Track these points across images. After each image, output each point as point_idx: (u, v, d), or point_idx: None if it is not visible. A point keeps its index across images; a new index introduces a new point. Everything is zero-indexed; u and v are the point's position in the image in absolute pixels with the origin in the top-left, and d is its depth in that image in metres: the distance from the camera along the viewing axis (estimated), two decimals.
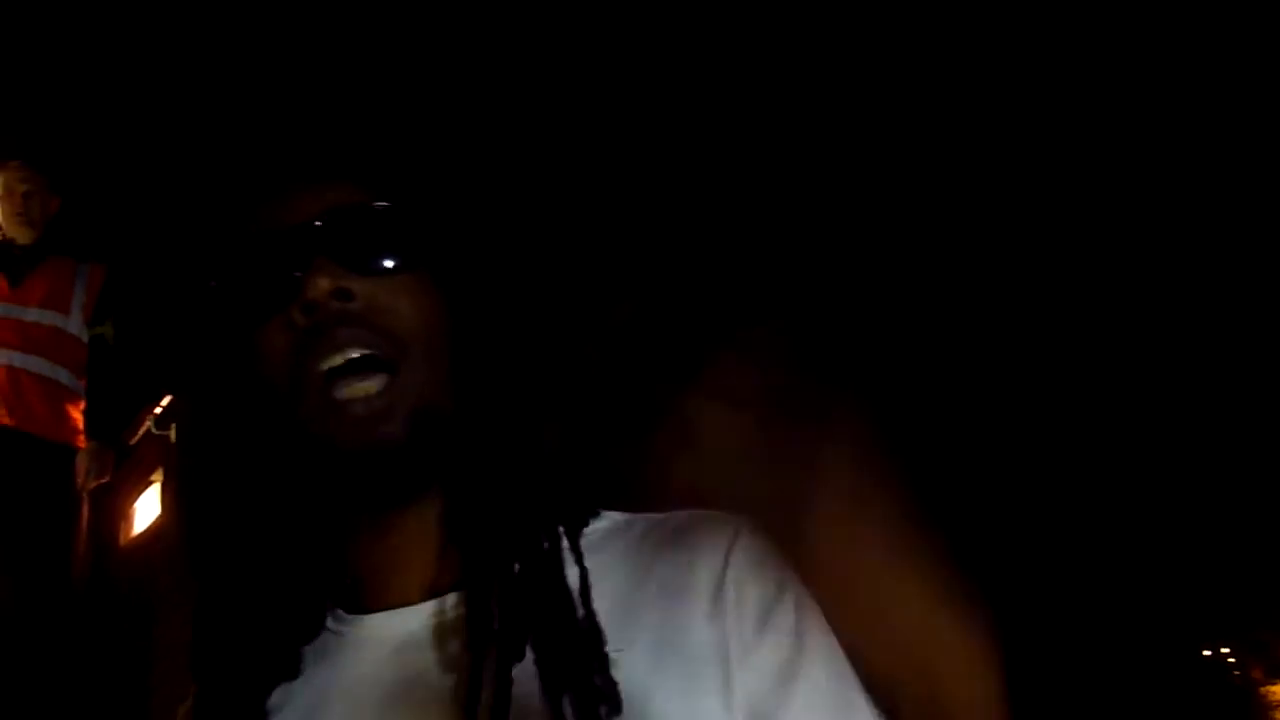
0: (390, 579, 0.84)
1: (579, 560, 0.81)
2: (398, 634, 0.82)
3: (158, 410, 6.78)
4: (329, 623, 0.86)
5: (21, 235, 3.69)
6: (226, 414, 0.88)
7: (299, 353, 0.80)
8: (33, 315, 3.61)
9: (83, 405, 3.66)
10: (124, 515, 7.70)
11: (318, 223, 0.83)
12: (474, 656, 0.76)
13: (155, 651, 6.77)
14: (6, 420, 3.50)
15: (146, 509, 7.61)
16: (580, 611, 0.78)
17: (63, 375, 3.63)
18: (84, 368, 3.65)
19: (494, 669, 0.75)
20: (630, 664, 0.75)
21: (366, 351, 0.80)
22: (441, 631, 0.81)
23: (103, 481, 3.63)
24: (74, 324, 3.67)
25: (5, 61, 4.34)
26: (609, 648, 0.76)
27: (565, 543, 0.83)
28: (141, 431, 6.80)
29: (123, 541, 7.73)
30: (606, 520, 0.88)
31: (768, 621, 0.78)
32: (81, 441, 3.63)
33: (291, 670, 0.84)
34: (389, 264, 0.83)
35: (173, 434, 6.96)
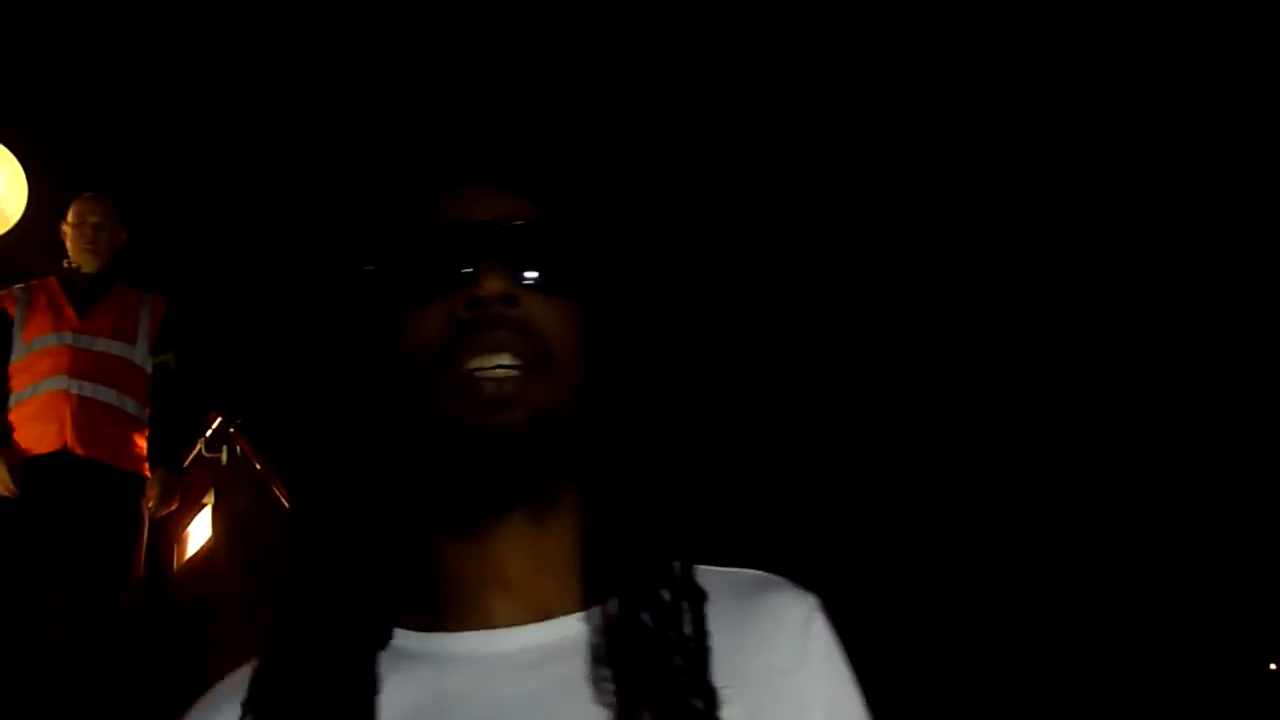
0: (484, 595, 0.83)
1: (697, 604, 0.81)
2: (502, 654, 0.81)
3: (209, 434, 6.82)
4: (404, 638, 0.83)
5: (88, 265, 3.72)
6: (355, 394, 0.89)
7: (452, 341, 0.82)
8: (101, 345, 3.64)
9: (147, 434, 3.69)
10: (177, 539, 7.75)
11: (498, 226, 0.86)
12: (596, 688, 0.77)
13: (209, 675, 6.81)
14: (78, 449, 3.52)
15: (199, 532, 7.66)
16: (697, 662, 0.78)
17: (130, 405, 3.65)
18: (148, 397, 3.67)
19: (618, 705, 0.75)
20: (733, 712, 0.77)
21: (517, 361, 0.81)
22: (560, 656, 0.80)
23: (171, 509, 3.65)
24: (139, 354, 3.70)
25: (86, 98, 4.42)
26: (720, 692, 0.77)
27: (682, 584, 0.82)
28: (193, 455, 6.84)
29: (176, 564, 7.78)
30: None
31: (835, 713, 0.82)
32: (146, 470, 3.65)
33: (370, 682, 0.80)
34: (551, 282, 0.86)
35: (224, 457, 7.00)
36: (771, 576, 0.89)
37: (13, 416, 3.56)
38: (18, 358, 3.59)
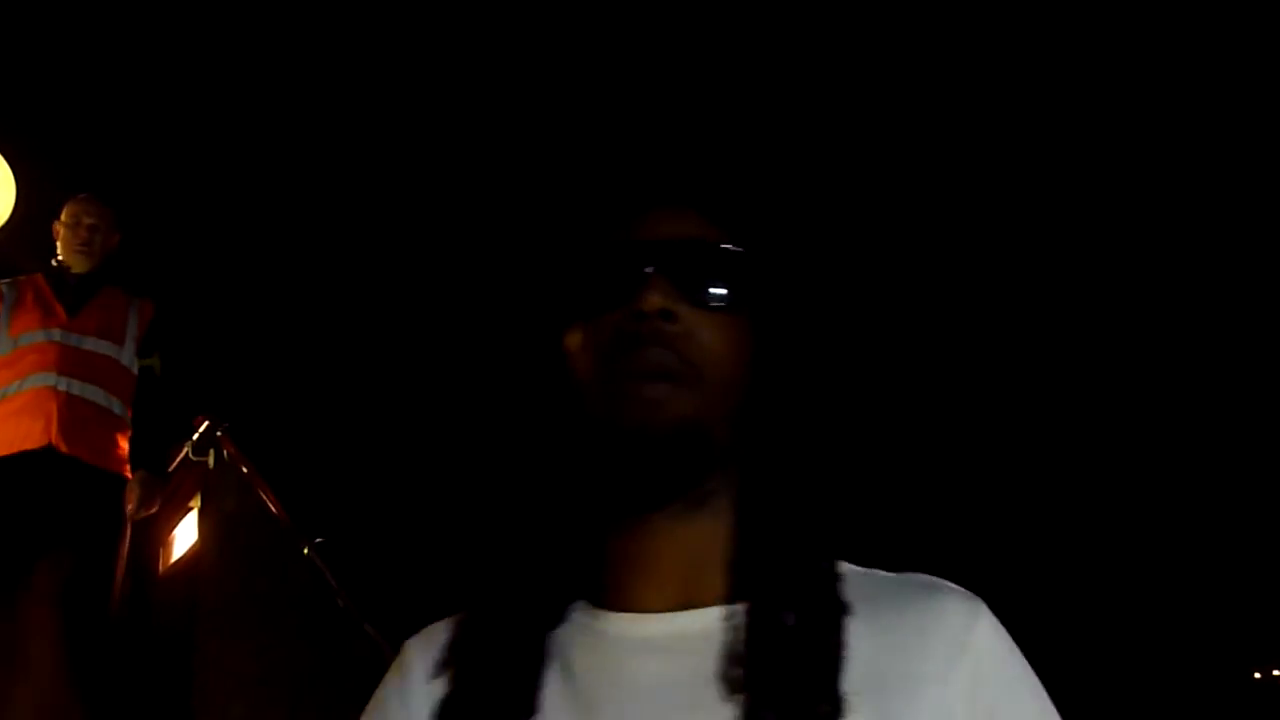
0: (635, 582, 0.90)
1: (835, 608, 0.86)
2: (644, 638, 0.87)
3: (196, 437, 6.80)
4: (579, 615, 0.91)
5: (78, 265, 3.72)
6: (525, 398, 0.96)
7: (614, 351, 0.88)
8: (89, 344, 3.64)
9: (129, 435, 3.68)
10: (162, 542, 7.72)
11: (666, 244, 0.91)
12: (727, 682, 0.82)
13: (195, 679, 6.77)
14: (62, 447, 3.52)
15: (185, 536, 7.64)
16: (828, 666, 0.83)
17: (116, 405, 3.65)
18: (132, 399, 3.67)
19: (745, 702, 0.80)
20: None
21: (668, 374, 0.86)
22: (696, 645, 0.85)
23: (151, 512, 3.64)
24: (126, 355, 3.69)
25: (80, 101, 4.42)
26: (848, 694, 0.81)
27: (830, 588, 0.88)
28: (180, 458, 6.82)
29: (161, 568, 7.75)
30: (844, 568, 0.92)
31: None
32: (128, 471, 3.64)
33: (538, 654, 0.88)
34: (716, 301, 0.91)
35: (211, 460, 6.98)
36: (933, 580, 0.91)
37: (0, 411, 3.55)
38: (3, 352, 3.58)
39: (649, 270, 0.89)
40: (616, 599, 0.90)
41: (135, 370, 3.71)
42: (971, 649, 0.85)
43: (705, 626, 0.86)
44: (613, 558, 0.91)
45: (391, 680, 0.94)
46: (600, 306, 0.90)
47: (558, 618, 0.90)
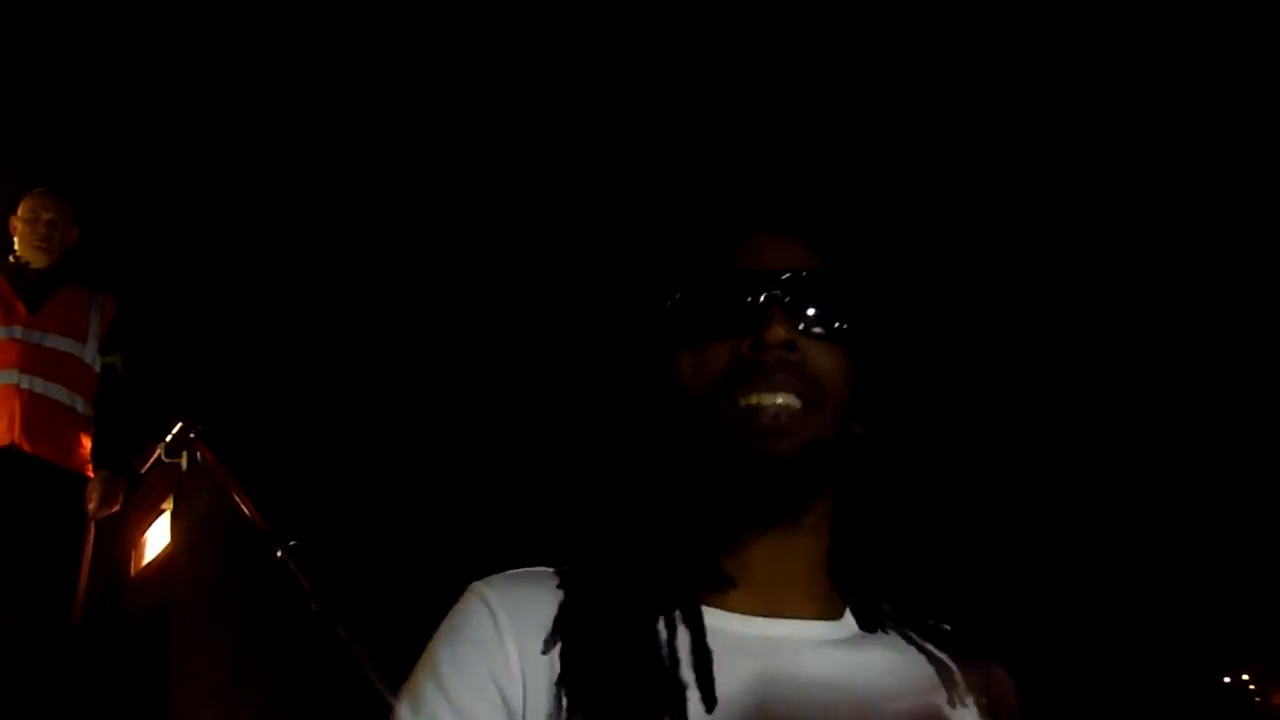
0: (740, 587, 0.96)
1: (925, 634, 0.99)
2: (763, 638, 0.93)
3: (168, 439, 6.76)
4: (708, 616, 0.95)
5: (37, 261, 3.70)
6: (641, 415, 1.02)
7: (734, 378, 0.94)
8: (51, 341, 3.62)
9: (92, 434, 3.66)
10: (134, 544, 7.66)
11: (783, 274, 0.97)
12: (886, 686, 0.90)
13: (166, 683, 6.72)
14: (25, 445, 3.50)
15: (157, 538, 7.58)
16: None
17: (79, 404, 3.64)
18: (94, 397, 3.65)
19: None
20: None
21: (793, 399, 0.92)
22: (797, 648, 0.93)
23: (113, 511, 3.63)
24: (89, 353, 3.68)
25: (43, 94, 4.39)
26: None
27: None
28: (152, 460, 6.78)
29: (133, 571, 7.69)
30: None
31: None
32: (90, 470, 3.62)
33: (653, 646, 0.93)
34: (830, 330, 0.98)
35: (184, 462, 6.95)
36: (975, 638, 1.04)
37: None
38: None
39: (768, 301, 0.95)
40: (709, 598, 0.95)
41: (98, 368, 3.69)
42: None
43: (797, 635, 0.94)
44: (713, 560, 0.97)
45: (483, 621, 0.94)
46: (717, 333, 0.96)
47: (663, 606, 0.95)
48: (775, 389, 0.92)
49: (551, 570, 0.99)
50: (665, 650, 0.91)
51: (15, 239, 3.76)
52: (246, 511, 6.44)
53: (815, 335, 0.97)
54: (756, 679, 0.89)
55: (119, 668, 6.38)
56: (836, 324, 0.98)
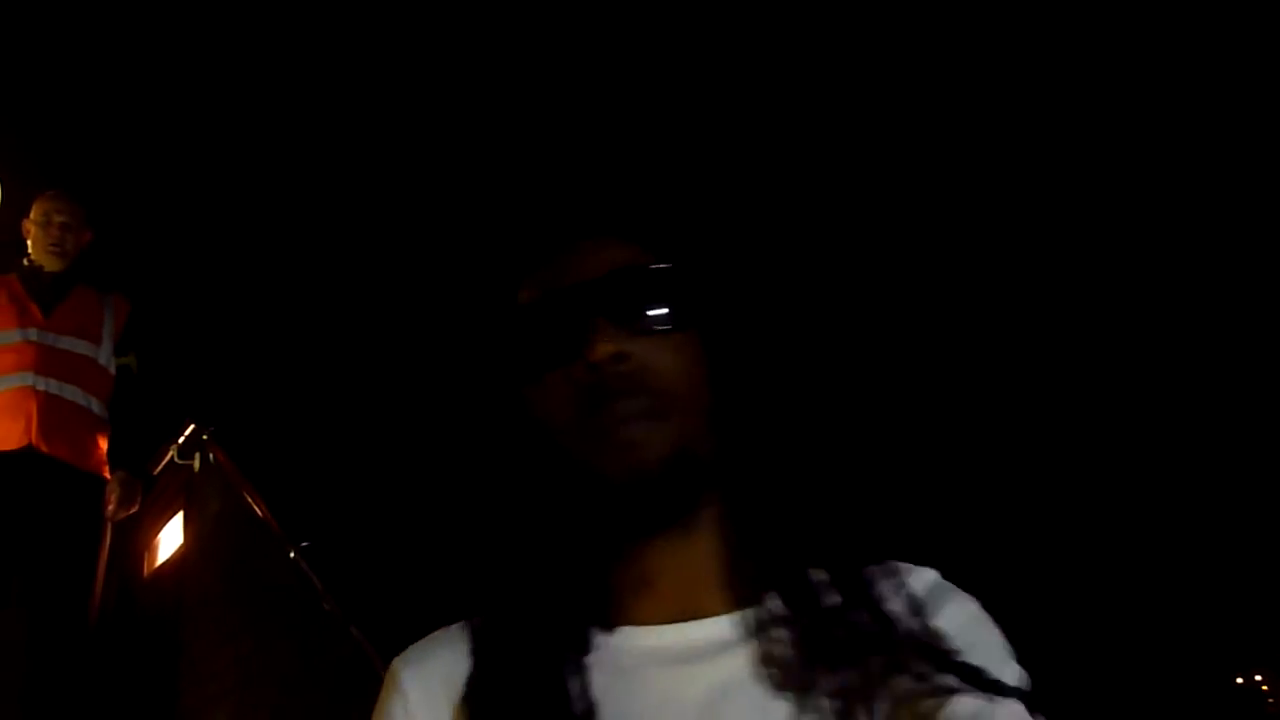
0: (645, 599, 0.92)
1: (865, 600, 0.90)
2: (654, 648, 0.89)
3: (181, 440, 6.79)
4: (591, 634, 0.92)
5: (51, 264, 3.71)
6: (505, 450, 0.97)
7: (579, 404, 0.89)
8: (66, 343, 3.63)
9: (107, 435, 3.68)
10: (147, 546, 7.71)
11: (599, 282, 0.91)
12: (765, 681, 0.85)
13: (180, 681, 6.75)
14: (42, 447, 3.51)
15: (170, 540, 7.62)
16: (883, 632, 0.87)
17: (95, 405, 3.65)
18: (109, 398, 3.67)
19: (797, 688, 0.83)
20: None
21: (640, 412, 0.88)
22: (714, 652, 0.88)
23: (131, 512, 3.64)
24: (104, 354, 3.69)
25: (53, 96, 4.41)
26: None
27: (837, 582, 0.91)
28: (164, 462, 6.81)
29: (146, 572, 7.74)
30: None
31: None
32: (107, 472, 3.64)
33: (559, 676, 0.89)
34: (663, 325, 0.91)
35: (196, 464, 6.98)
36: (905, 565, 0.95)
37: None
38: None
39: (589, 314, 0.89)
40: (620, 616, 0.92)
41: (112, 369, 3.70)
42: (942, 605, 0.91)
43: (712, 635, 0.89)
44: (615, 579, 0.93)
45: (393, 705, 0.93)
46: (552, 362, 0.91)
47: (570, 639, 0.92)
48: (619, 411, 0.88)
49: (463, 625, 0.97)
50: (574, 689, 0.89)
51: (29, 242, 3.78)
52: (259, 512, 6.47)
53: (653, 334, 0.91)
54: (660, 695, 0.87)
55: (134, 667, 6.41)
56: (667, 315, 0.91)
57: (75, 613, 3.54)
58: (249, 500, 6.31)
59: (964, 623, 0.90)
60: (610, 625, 0.92)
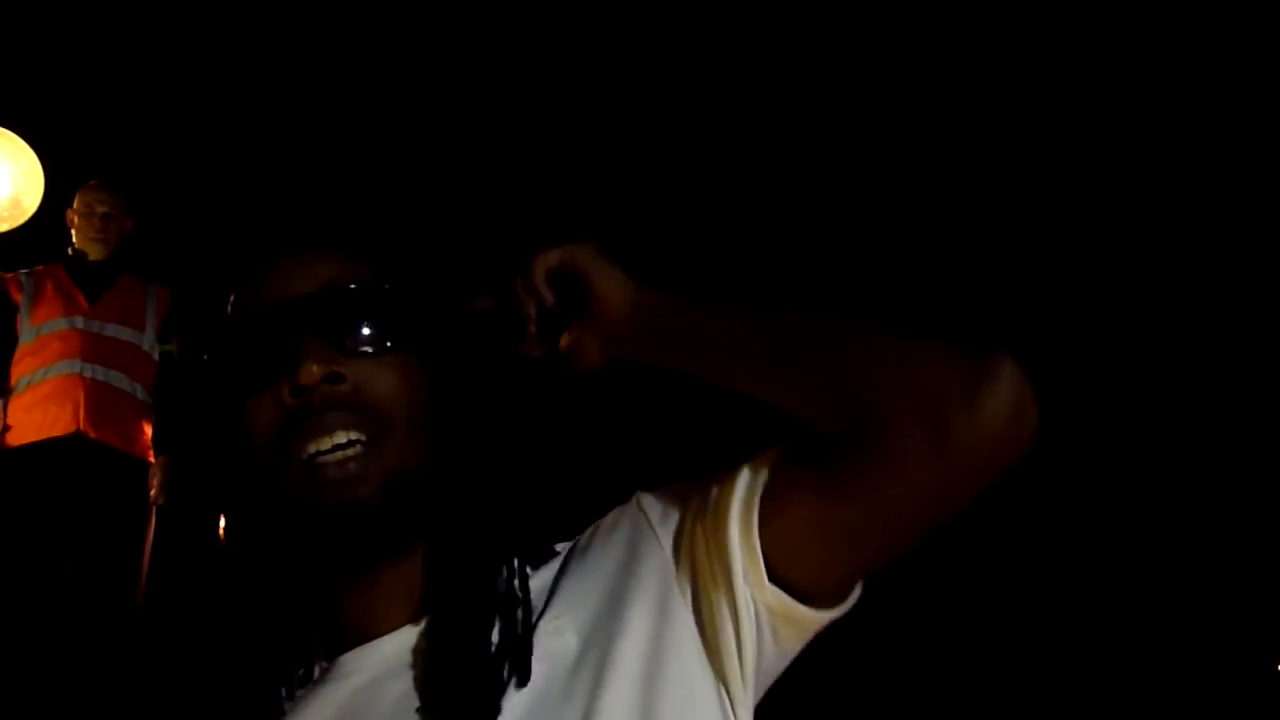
0: (369, 625, 0.87)
1: (523, 588, 0.87)
2: (371, 664, 0.86)
3: None
4: (316, 667, 0.89)
5: (94, 253, 3.77)
6: (218, 475, 0.91)
7: (285, 430, 0.83)
8: (111, 330, 3.69)
9: (152, 420, 3.73)
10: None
11: (311, 299, 0.85)
12: (436, 674, 0.82)
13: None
14: (90, 433, 3.56)
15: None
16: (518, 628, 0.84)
17: (139, 391, 3.70)
18: (154, 384, 3.72)
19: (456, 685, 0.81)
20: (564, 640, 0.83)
21: (352, 435, 0.83)
22: (406, 655, 0.85)
23: None
24: (147, 341, 3.74)
25: (87, 89, 4.45)
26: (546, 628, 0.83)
27: (517, 578, 0.88)
28: None
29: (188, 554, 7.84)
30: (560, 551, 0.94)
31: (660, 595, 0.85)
32: (151, 456, 3.69)
33: (275, 710, 0.87)
34: (375, 345, 0.86)
35: None
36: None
37: (22, 400, 3.60)
38: (26, 341, 3.63)
39: (297, 333, 0.84)
40: (345, 635, 0.88)
41: (156, 356, 3.76)
42: (641, 523, 0.89)
43: (400, 646, 0.86)
44: (340, 608, 0.88)
45: None
46: (259, 384, 0.84)
47: (295, 671, 0.89)
48: (329, 432, 0.82)
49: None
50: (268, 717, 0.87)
51: (73, 232, 3.84)
52: None
53: (365, 355, 0.85)
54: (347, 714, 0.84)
55: (179, 650, 6.51)
56: (387, 337, 0.87)
57: (122, 594, 3.60)
58: None
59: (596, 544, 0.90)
60: (338, 646, 0.88)
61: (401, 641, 0.87)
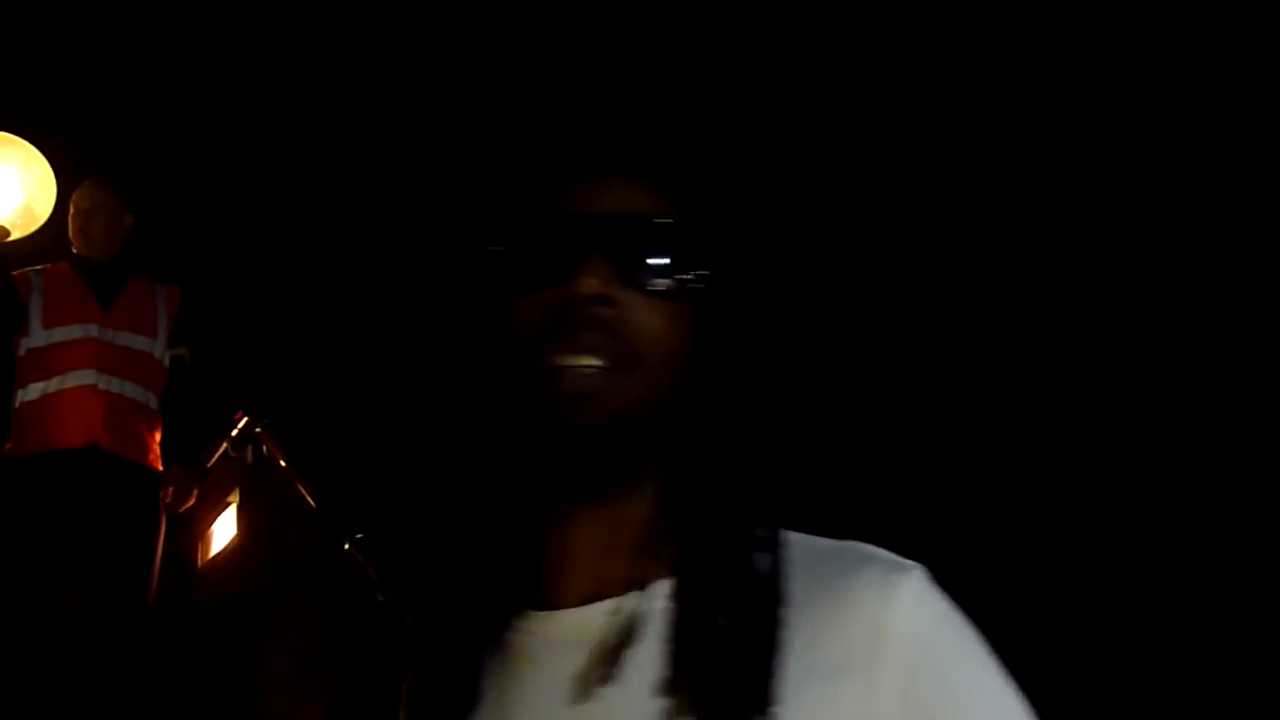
0: (564, 578, 0.86)
1: (777, 579, 0.80)
2: (585, 630, 0.83)
3: (234, 433, 6.84)
4: (517, 622, 0.87)
5: (83, 250, 3.71)
6: (464, 374, 0.92)
7: (543, 334, 0.83)
8: (124, 340, 3.64)
9: (162, 427, 3.69)
10: (200, 537, 7.79)
11: (607, 218, 0.85)
12: (643, 671, 0.78)
13: (233, 672, 6.82)
14: (106, 445, 3.52)
15: (223, 531, 7.69)
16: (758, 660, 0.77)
17: (151, 400, 3.66)
18: (163, 391, 3.67)
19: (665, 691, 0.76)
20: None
21: (601, 362, 0.81)
22: (605, 638, 0.81)
23: (187, 504, 3.65)
24: (159, 348, 3.70)
25: (88, 82, 4.42)
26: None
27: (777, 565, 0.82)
28: (218, 454, 6.87)
29: (200, 563, 7.82)
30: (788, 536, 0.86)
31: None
32: (160, 465, 3.65)
33: (473, 667, 0.86)
34: (656, 285, 0.85)
35: (249, 456, 7.02)
36: (861, 550, 0.84)
37: (35, 406, 3.55)
38: (37, 343, 3.59)
39: (585, 249, 0.83)
40: (545, 598, 0.86)
41: (166, 362, 3.71)
42: (891, 634, 0.77)
43: (618, 616, 0.82)
44: (545, 554, 0.87)
45: None
46: (534, 284, 0.85)
47: (497, 626, 0.87)
48: (579, 350, 0.81)
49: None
50: (468, 681, 0.85)
51: (69, 232, 3.79)
52: (312, 504, 6.51)
53: (642, 289, 0.84)
54: (547, 683, 0.82)
55: (189, 655, 6.48)
56: (669, 277, 0.85)
57: (133, 602, 3.56)
58: (302, 492, 6.35)
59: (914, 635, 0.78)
60: (532, 607, 0.86)
61: (590, 618, 0.83)
